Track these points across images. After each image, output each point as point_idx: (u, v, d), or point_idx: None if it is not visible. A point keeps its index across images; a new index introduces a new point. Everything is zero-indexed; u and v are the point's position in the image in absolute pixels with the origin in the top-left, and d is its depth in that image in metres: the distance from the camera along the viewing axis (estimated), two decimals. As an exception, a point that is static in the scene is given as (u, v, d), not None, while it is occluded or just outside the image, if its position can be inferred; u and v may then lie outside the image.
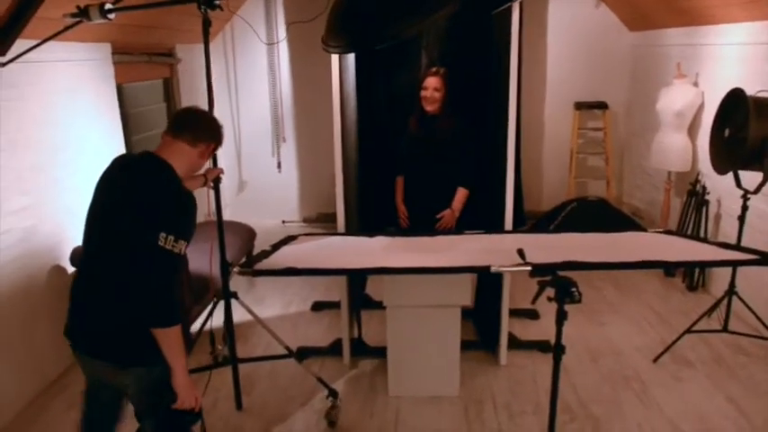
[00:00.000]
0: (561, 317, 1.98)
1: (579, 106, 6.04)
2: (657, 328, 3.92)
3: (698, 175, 4.55)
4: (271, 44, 5.97)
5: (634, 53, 5.91)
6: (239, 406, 3.11)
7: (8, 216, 3.03)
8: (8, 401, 3.05)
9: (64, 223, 3.46)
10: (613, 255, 2.57)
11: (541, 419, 2.95)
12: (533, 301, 2.01)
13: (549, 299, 1.96)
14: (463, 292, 3.02)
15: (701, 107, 4.53)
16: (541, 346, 3.62)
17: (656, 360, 3.50)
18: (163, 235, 1.69)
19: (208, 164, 2.28)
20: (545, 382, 3.29)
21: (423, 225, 3.49)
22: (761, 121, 3.09)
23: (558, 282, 1.92)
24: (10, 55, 2.97)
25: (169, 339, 1.75)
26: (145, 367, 1.84)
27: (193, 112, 2.05)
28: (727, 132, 3.36)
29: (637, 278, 4.69)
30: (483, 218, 3.52)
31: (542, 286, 1.95)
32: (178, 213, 1.78)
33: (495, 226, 3.38)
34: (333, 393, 3.01)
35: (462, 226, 3.47)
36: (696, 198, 4.51)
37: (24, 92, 3.19)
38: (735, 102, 3.25)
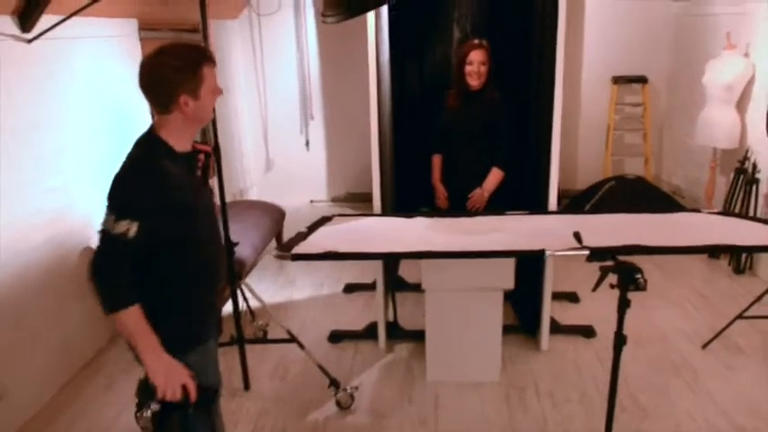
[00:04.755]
0: (624, 305, 1.85)
1: (617, 80, 5.81)
2: (705, 313, 3.76)
3: (747, 152, 4.33)
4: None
5: (678, 23, 5.63)
6: (247, 386, 3.06)
7: (40, 196, 2.97)
8: (45, 381, 3.02)
9: (94, 204, 3.40)
10: (672, 237, 2.42)
11: (587, 408, 2.84)
12: (595, 288, 1.88)
13: (612, 286, 1.83)
14: (506, 274, 2.89)
15: (751, 80, 4.29)
16: (584, 332, 3.49)
17: (705, 347, 3.35)
18: (106, 216, 1.57)
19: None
20: (589, 369, 3.17)
21: (463, 205, 3.36)
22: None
23: (622, 268, 1.79)
24: (35, 31, 2.89)
25: (121, 325, 1.60)
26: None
27: (139, 75, 1.65)
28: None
29: (681, 260, 4.50)
30: (520, 197, 3.38)
31: (605, 272, 1.82)
32: (121, 191, 1.59)
33: (533, 205, 3.24)
34: (334, 383, 2.92)
35: (499, 206, 3.33)
36: (745, 176, 4.30)
37: (53, 69, 3.11)
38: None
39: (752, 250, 3.47)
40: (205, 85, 1.66)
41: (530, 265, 3.37)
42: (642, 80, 5.78)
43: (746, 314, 3.36)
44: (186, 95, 1.63)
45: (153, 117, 1.72)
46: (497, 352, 3.04)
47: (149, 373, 1.61)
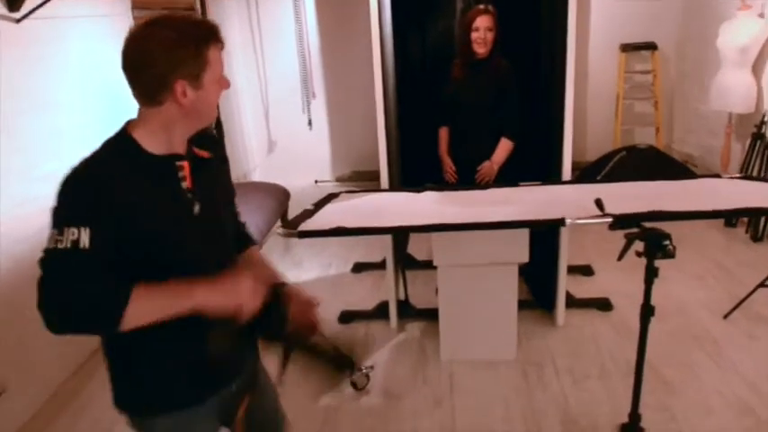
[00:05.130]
0: (651, 274, 1.75)
1: (626, 48, 5.64)
2: (723, 282, 3.65)
3: (764, 116, 4.18)
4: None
5: (687, -13, 5.45)
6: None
7: (35, 182, 2.87)
8: (48, 374, 2.95)
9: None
10: (695, 203, 2.30)
11: (608, 384, 2.75)
12: (620, 257, 1.77)
13: (639, 254, 1.72)
14: (521, 248, 2.79)
15: (768, 41, 4.14)
16: (599, 305, 3.40)
17: (726, 317, 3.24)
18: (47, 237, 1.17)
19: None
20: (607, 344, 3.08)
21: (471, 178, 3.24)
22: None
23: (649, 234, 1.68)
24: (24, 10, 2.77)
25: (137, 320, 1.18)
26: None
27: (123, 54, 1.23)
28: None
29: (697, 229, 4.38)
30: (530, 169, 3.26)
31: (631, 239, 1.71)
32: (57, 200, 1.20)
33: (545, 177, 3.12)
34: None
35: (509, 178, 3.21)
36: (762, 141, 4.16)
37: (44, 51, 2.99)
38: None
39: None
40: (210, 70, 1.23)
41: (543, 237, 3.26)
42: (652, 47, 5.61)
43: (767, 282, 3.26)
44: (184, 81, 1.21)
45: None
46: (513, 329, 2.95)
47: (217, 304, 1.23)
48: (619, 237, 1.85)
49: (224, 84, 1.30)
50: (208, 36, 1.24)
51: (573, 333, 3.20)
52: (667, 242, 1.66)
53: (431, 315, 3.17)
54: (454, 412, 2.65)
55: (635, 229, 1.74)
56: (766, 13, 4.15)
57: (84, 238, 1.14)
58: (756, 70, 4.23)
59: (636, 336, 3.10)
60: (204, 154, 1.38)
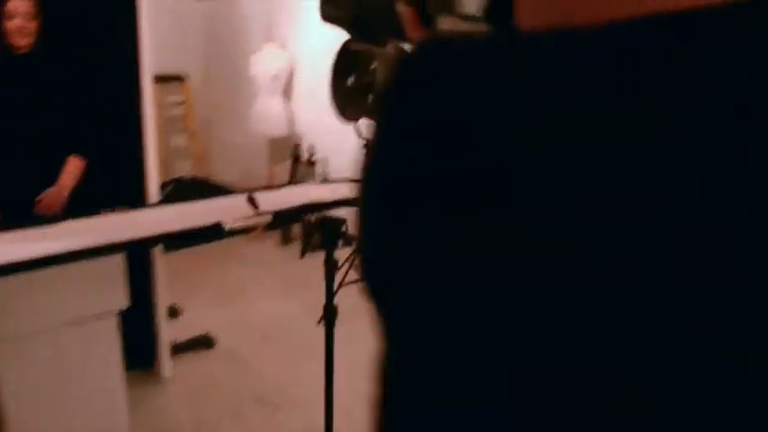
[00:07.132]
0: (332, 266, 1.52)
1: (157, 80, 5.38)
2: (302, 294, 3.77)
3: (300, 137, 4.58)
4: None
5: (210, 21, 5.59)
6: None
7: None
8: None
9: None
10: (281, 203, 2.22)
11: (244, 425, 2.42)
12: (303, 253, 1.49)
13: (314, 248, 1.48)
14: (116, 289, 2.18)
15: (293, 69, 4.56)
16: (203, 342, 3.03)
17: (319, 323, 3.33)
18: None
19: None
20: (227, 381, 2.74)
21: (21, 213, 2.36)
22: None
23: (325, 223, 1.46)
24: None
25: None
26: None
27: None
28: (350, 81, 3.39)
29: (260, 249, 4.43)
30: (107, 193, 2.64)
31: (310, 230, 1.45)
32: None
33: (128, 201, 2.58)
34: None
35: (86, 205, 2.48)
36: (299, 162, 4.53)
37: None
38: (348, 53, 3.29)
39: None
40: None
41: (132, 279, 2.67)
42: (181, 78, 5.53)
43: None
44: None
45: None
46: (122, 395, 2.29)
47: None
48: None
49: None
50: None
51: (186, 382, 2.73)
52: (345, 228, 1.48)
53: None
54: None
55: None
56: (288, 45, 4.57)
57: None
58: (287, 95, 4.61)
59: (247, 364, 2.91)
60: None
